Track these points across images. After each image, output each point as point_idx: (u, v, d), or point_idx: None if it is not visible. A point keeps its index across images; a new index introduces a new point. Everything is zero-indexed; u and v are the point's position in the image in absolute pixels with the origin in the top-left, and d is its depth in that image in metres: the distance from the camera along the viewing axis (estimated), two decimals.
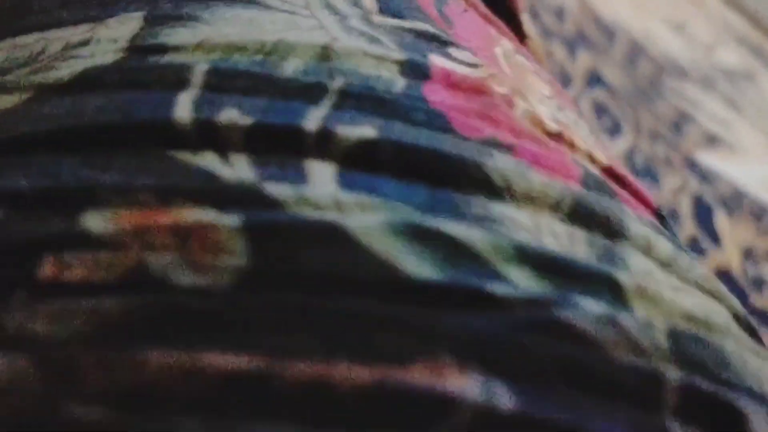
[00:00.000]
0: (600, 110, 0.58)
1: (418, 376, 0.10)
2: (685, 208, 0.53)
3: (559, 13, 0.61)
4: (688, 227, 0.53)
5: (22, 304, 0.11)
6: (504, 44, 0.16)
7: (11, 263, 0.11)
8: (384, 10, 0.14)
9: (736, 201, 0.56)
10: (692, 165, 0.59)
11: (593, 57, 0.62)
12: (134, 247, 0.11)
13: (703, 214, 0.54)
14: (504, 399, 0.10)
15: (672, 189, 0.55)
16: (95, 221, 0.11)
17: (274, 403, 0.10)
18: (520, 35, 0.19)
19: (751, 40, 0.89)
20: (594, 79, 0.60)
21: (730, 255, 0.54)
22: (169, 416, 0.10)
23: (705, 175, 0.58)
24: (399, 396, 0.10)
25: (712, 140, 0.63)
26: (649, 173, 0.56)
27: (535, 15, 0.56)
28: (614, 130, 0.58)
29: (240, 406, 0.10)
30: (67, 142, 0.12)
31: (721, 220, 0.53)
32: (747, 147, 0.67)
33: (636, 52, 0.69)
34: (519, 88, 0.15)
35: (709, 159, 0.59)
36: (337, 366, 0.10)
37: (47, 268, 0.11)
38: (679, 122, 0.62)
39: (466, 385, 0.10)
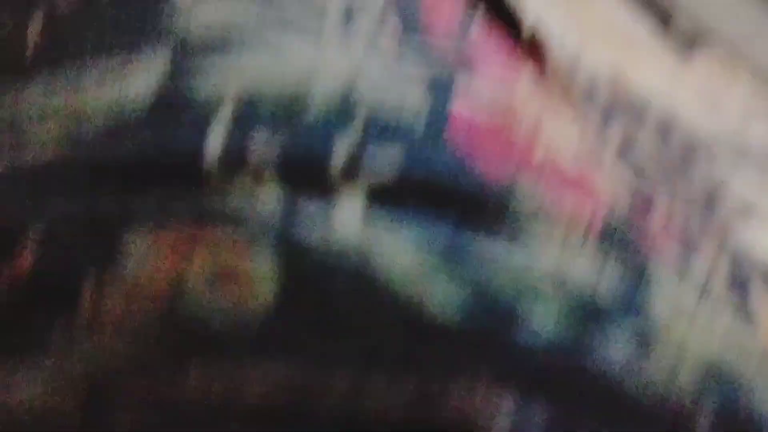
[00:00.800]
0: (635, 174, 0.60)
1: (455, 395, 0.11)
2: (720, 278, 0.53)
3: (593, 85, 0.62)
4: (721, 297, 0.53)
5: (63, 338, 0.11)
6: (521, 87, 0.17)
7: (52, 291, 0.12)
8: (407, 29, 0.15)
9: None
10: (728, 235, 0.59)
11: (626, 126, 0.63)
12: (169, 274, 0.12)
13: (738, 285, 0.53)
14: (538, 416, 0.11)
15: (707, 257, 0.55)
16: (134, 242, 0.12)
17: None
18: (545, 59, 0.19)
19: None
20: (627, 148, 0.61)
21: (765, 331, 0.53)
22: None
23: (741, 246, 0.58)
24: (436, 410, 0.10)
25: (747, 211, 0.63)
26: (684, 240, 0.56)
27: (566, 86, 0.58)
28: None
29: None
30: (105, 172, 0.13)
31: (757, 293, 0.53)
32: None
33: (668, 123, 0.70)
34: (539, 125, 0.15)
35: (744, 230, 0.59)
36: (373, 378, 0.11)
37: (86, 303, 0.12)
38: (714, 193, 0.62)
39: (501, 404, 0.10)
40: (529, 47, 0.19)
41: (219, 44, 0.15)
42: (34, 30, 0.17)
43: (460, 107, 0.15)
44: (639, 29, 0.98)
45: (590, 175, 0.16)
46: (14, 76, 0.15)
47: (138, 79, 0.14)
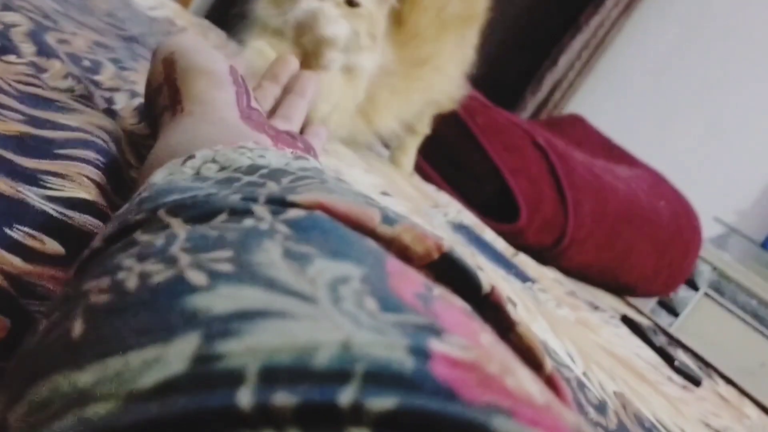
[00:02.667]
0: None
1: None
2: None
3: (601, 408, 0.65)
4: None
5: None
6: (485, 337, 0.20)
7: None
8: (384, 309, 0.20)
9: None
10: None
11: None
12: None
13: None
14: None
15: None
16: None
17: None
18: (505, 326, 0.24)
19: None
20: None
21: None
22: None
23: None
24: None
25: None
26: None
27: (579, 407, 0.62)
28: None
29: None
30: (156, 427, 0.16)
31: None
32: None
33: None
34: (506, 366, 0.18)
35: None
36: None
37: None
38: None
39: None
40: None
41: (237, 320, 0.18)
42: (78, 325, 0.20)
43: (438, 349, 0.18)
44: (641, 362, 1.00)
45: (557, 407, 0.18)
46: (67, 365, 0.19)
47: (175, 359, 0.17)
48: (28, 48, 0.52)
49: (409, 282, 0.22)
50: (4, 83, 0.43)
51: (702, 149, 2.90)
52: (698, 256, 2.03)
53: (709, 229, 2.53)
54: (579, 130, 2.10)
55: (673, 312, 2.67)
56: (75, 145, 0.40)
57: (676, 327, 2.60)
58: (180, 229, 0.24)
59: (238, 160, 0.30)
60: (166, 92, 0.46)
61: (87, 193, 0.37)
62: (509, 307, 0.24)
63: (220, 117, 0.43)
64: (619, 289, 1.80)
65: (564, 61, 2.87)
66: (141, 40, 0.82)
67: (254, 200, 0.25)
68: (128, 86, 0.60)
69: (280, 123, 0.51)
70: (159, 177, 0.29)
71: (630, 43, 3.02)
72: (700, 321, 2.62)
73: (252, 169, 0.29)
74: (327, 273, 0.21)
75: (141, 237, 0.24)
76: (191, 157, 0.30)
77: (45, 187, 0.35)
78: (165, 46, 0.49)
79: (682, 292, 2.63)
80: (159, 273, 0.21)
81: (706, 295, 2.65)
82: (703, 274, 2.63)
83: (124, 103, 0.56)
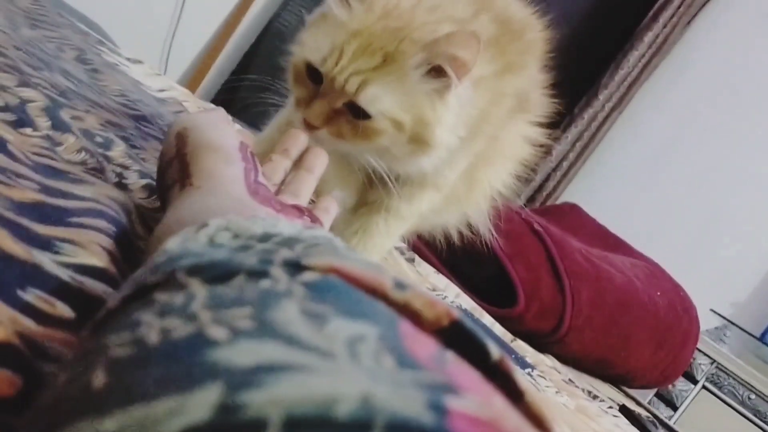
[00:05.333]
0: None
1: None
2: None
3: None
4: None
5: None
6: (498, 400, 0.21)
7: None
8: (400, 366, 0.20)
9: None
10: None
11: None
12: None
13: None
14: None
15: None
16: None
17: None
18: (514, 394, 0.24)
19: None
20: None
21: None
22: None
23: None
24: None
25: None
26: None
27: None
28: None
29: None
30: None
31: None
32: None
33: None
34: (520, 428, 0.20)
35: None
36: None
37: None
38: None
39: None
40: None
41: (258, 373, 0.19)
42: (99, 376, 0.21)
43: (455, 406, 0.19)
44: None
45: None
46: (90, 413, 0.19)
47: (198, 408, 0.18)
48: (43, 122, 0.54)
49: (423, 344, 0.22)
50: (20, 154, 0.44)
51: (697, 241, 2.93)
52: (696, 348, 2.01)
53: (705, 322, 2.52)
54: (575, 218, 2.12)
55: (672, 405, 2.62)
56: (88, 214, 0.41)
57: (675, 420, 2.55)
58: (199, 288, 0.25)
59: (251, 229, 0.30)
60: (177, 166, 0.47)
61: (98, 259, 0.37)
62: (518, 376, 0.24)
63: (228, 191, 0.44)
64: (617, 378, 1.78)
65: (557, 151, 2.93)
66: (151, 120, 0.84)
67: (270, 263, 0.26)
68: (138, 163, 0.61)
69: (289, 199, 0.53)
70: (173, 243, 0.30)
71: (624, 134, 3.09)
72: (699, 414, 2.57)
73: (265, 237, 0.29)
74: (344, 331, 0.21)
75: (159, 296, 0.25)
76: (205, 225, 0.31)
77: (58, 253, 0.35)
78: (179, 121, 0.51)
79: (681, 384, 2.60)
80: (180, 328, 0.22)
81: (705, 388, 2.61)
82: (702, 367, 2.61)
83: (134, 179, 0.57)
